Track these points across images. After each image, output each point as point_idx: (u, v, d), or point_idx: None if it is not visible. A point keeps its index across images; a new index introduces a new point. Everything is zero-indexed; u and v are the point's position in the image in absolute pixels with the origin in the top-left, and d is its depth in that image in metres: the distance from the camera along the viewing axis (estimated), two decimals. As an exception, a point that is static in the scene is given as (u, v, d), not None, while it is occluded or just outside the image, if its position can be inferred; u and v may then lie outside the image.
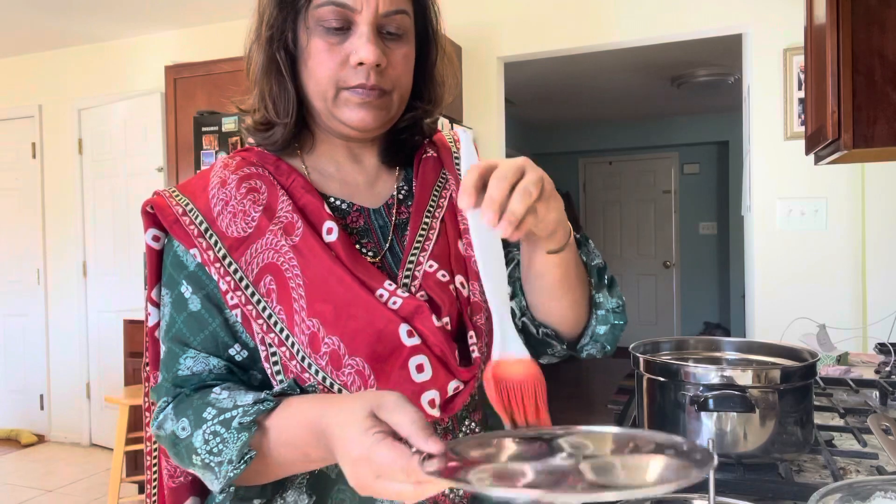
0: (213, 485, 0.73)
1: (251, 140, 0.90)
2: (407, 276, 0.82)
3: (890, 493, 0.67)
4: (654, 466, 0.56)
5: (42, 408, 4.84)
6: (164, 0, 3.80)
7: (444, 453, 0.56)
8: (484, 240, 0.65)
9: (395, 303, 0.77)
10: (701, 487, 0.92)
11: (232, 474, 0.70)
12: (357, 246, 0.83)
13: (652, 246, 7.47)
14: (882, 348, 1.89)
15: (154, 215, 0.83)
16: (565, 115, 6.92)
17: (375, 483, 0.59)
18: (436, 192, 0.90)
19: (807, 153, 1.54)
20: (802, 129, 2.95)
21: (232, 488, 0.73)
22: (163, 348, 0.82)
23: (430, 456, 0.56)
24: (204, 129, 3.46)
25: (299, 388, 0.76)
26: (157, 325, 0.85)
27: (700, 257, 7.27)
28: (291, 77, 0.82)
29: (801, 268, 3.01)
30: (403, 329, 0.75)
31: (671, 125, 7.03)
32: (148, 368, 0.88)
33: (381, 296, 0.78)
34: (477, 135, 3.48)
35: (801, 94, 2.96)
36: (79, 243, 4.61)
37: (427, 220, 0.87)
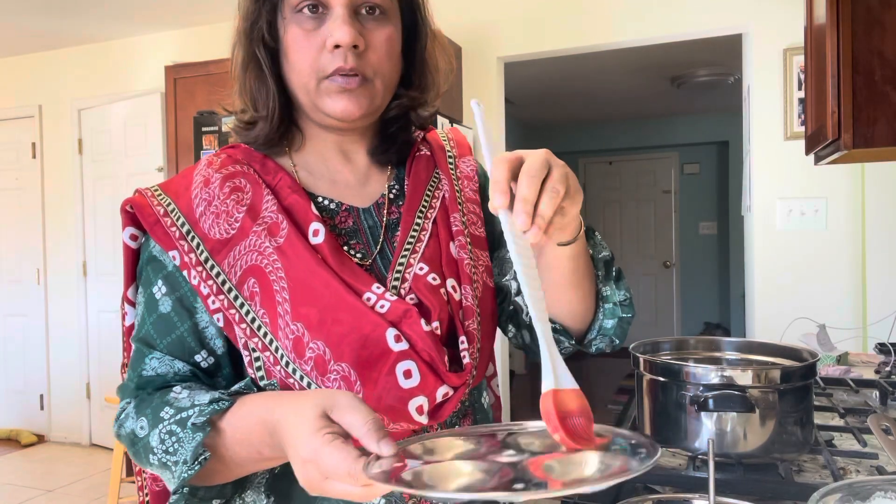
0: (170, 484, 0.72)
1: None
2: (396, 279, 0.80)
3: (890, 493, 0.67)
4: (595, 462, 0.56)
5: (42, 408, 4.84)
6: (164, 0, 3.80)
7: (397, 454, 0.56)
8: (520, 245, 0.61)
9: (382, 307, 0.75)
10: (701, 487, 0.92)
11: (186, 475, 0.68)
12: (345, 247, 0.80)
13: (652, 246, 7.46)
14: (882, 348, 1.89)
15: (133, 214, 0.81)
16: (565, 115, 6.92)
17: (324, 484, 0.59)
18: (428, 192, 0.87)
19: (807, 153, 1.54)
20: (802, 129, 2.95)
21: (185, 489, 0.71)
22: (133, 348, 0.80)
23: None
24: (204, 129, 3.46)
25: (256, 387, 0.76)
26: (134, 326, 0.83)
27: (700, 257, 7.27)
28: (273, 72, 0.80)
29: (801, 268, 3.01)
30: (391, 334, 0.73)
31: (671, 125, 7.03)
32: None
33: (369, 299, 0.75)
34: (477, 135, 3.48)
35: (801, 94, 2.96)
36: (79, 243, 4.61)
37: (419, 220, 0.84)
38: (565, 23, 3.38)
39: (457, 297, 0.81)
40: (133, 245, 0.82)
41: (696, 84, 5.30)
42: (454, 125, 3.21)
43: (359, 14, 0.77)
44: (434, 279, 0.80)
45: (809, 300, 2.94)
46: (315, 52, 0.77)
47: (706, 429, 1.00)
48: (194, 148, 3.53)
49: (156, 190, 0.83)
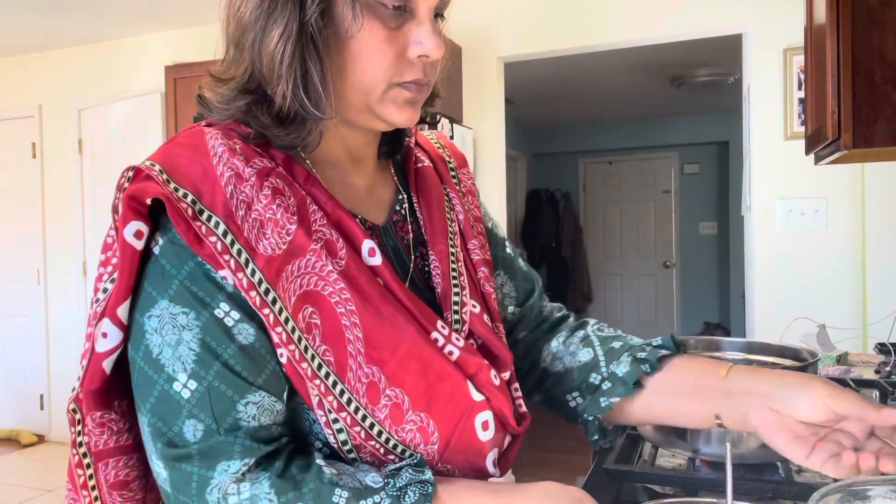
0: None
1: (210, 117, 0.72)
2: (457, 321, 0.72)
3: (890, 494, 0.67)
4: None
5: (42, 408, 4.84)
6: (164, 0, 3.80)
7: None
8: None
9: (451, 353, 0.68)
10: (701, 487, 0.92)
11: None
12: None
13: (652, 246, 7.46)
14: (882, 348, 1.89)
15: (141, 204, 0.62)
16: (565, 115, 6.92)
17: None
18: (449, 216, 0.78)
19: (807, 153, 1.54)
20: (802, 129, 2.95)
21: None
22: (192, 386, 0.60)
23: None
24: (204, 129, 3.46)
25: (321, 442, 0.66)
26: (112, 351, 0.64)
27: (700, 257, 7.27)
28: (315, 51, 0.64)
29: (801, 268, 3.01)
30: (470, 385, 0.68)
31: (671, 125, 7.02)
32: (80, 412, 0.71)
33: (436, 340, 0.68)
34: (477, 135, 3.48)
35: (801, 94, 2.96)
36: (79, 243, 4.61)
37: (453, 249, 0.76)
38: (565, 23, 3.38)
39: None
40: (139, 245, 0.62)
41: (696, 84, 5.30)
42: (446, 126, 3.21)
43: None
44: (488, 320, 0.75)
45: (809, 300, 2.94)
46: (395, 57, 0.65)
47: (706, 429, 1.00)
48: (194, 148, 3.53)
49: (161, 173, 0.64)
